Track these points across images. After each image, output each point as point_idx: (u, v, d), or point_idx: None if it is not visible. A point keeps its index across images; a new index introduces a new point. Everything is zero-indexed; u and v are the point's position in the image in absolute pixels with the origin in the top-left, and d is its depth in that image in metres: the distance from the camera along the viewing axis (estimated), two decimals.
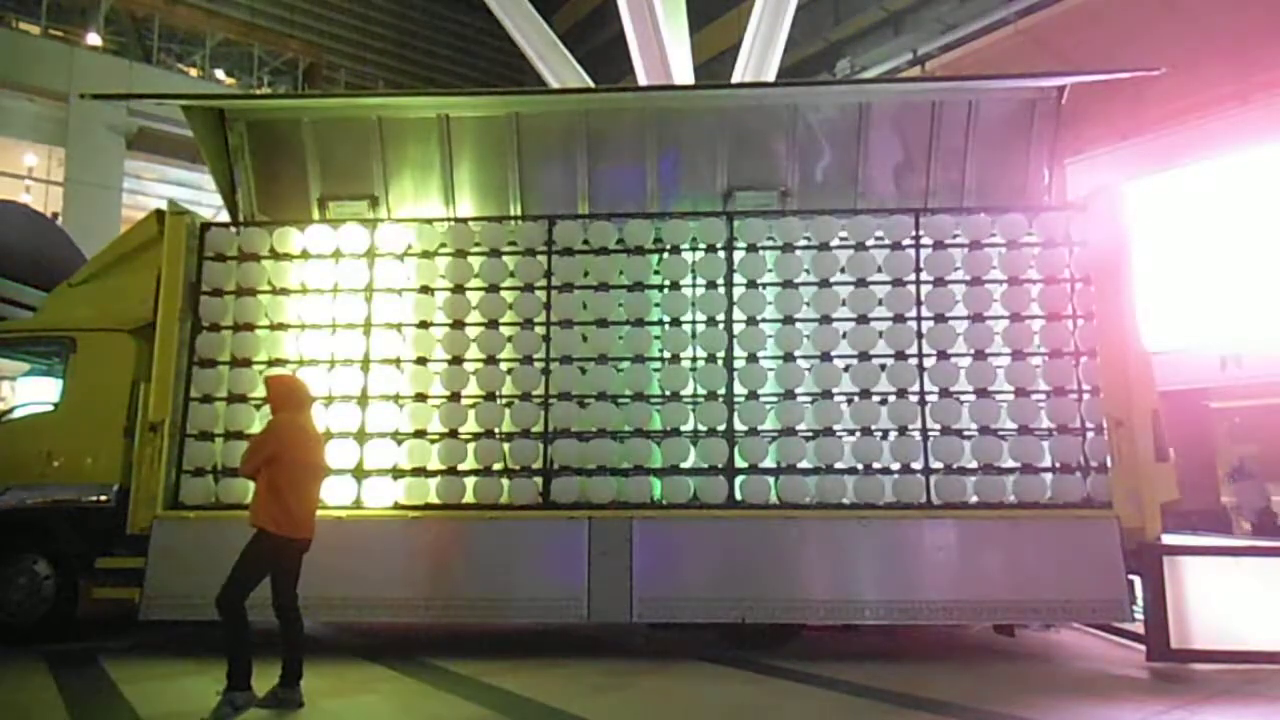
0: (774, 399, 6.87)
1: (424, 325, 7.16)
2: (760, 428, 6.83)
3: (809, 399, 6.84)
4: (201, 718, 4.76)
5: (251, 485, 5.38)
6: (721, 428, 6.82)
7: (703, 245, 7.14)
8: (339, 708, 5.21)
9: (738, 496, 6.71)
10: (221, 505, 6.88)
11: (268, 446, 5.27)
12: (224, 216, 8.23)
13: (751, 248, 7.10)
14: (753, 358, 6.94)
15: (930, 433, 6.71)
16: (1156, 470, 6.44)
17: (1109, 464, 6.48)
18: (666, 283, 7.11)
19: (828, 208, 7.39)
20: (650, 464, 6.84)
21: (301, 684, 5.16)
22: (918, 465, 6.68)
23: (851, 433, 6.78)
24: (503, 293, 7.17)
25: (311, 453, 5.46)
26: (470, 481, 6.89)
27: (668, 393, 6.95)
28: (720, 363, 6.92)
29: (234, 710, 4.85)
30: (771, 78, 15.49)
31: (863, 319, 6.93)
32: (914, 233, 7.02)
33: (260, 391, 7.07)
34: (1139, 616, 6.35)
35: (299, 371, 6.86)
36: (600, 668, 6.24)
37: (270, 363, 7.15)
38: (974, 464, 6.65)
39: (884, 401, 6.82)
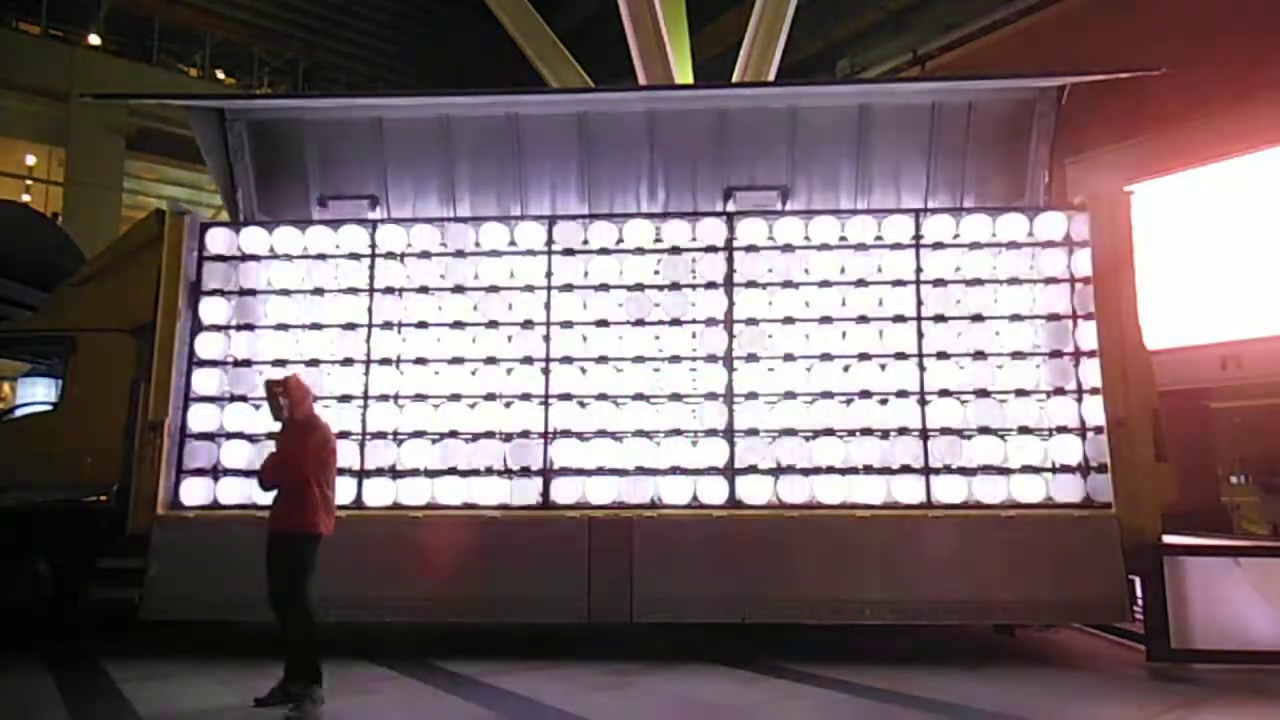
0: (774, 399, 6.87)
1: (423, 325, 7.16)
2: (760, 428, 6.83)
3: (809, 399, 6.85)
4: (288, 715, 4.91)
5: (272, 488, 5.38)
6: (721, 428, 6.82)
7: (703, 245, 7.14)
8: (339, 708, 5.21)
9: (738, 496, 6.72)
10: (221, 505, 6.88)
11: (320, 449, 5.30)
12: (224, 216, 8.23)
13: (751, 248, 7.10)
14: (753, 357, 6.94)
15: (930, 433, 6.72)
16: (1156, 470, 6.44)
17: (1109, 464, 6.48)
18: (666, 283, 7.11)
19: (828, 208, 7.39)
20: (650, 464, 6.84)
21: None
22: (918, 465, 6.68)
23: (851, 433, 6.78)
24: (502, 292, 7.17)
25: (337, 450, 5.59)
26: (470, 481, 6.89)
27: (668, 393, 6.95)
28: (720, 363, 6.93)
29: (314, 705, 5.01)
30: (771, 78, 15.49)
31: (863, 319, 6.93)
32: (914, 233, 7.03)
33: (260, 391, 7.07)
34: (1139, 616, 6.35)
35: (297, 371, 6.86)
36: (600, 668, 6.24)
37: (273, 363, 7.15)
38: (974, 464, 6.65)
39: (884, 401, 6.82)
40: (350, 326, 7.20)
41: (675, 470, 6.81)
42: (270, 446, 5.76)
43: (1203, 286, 10.63)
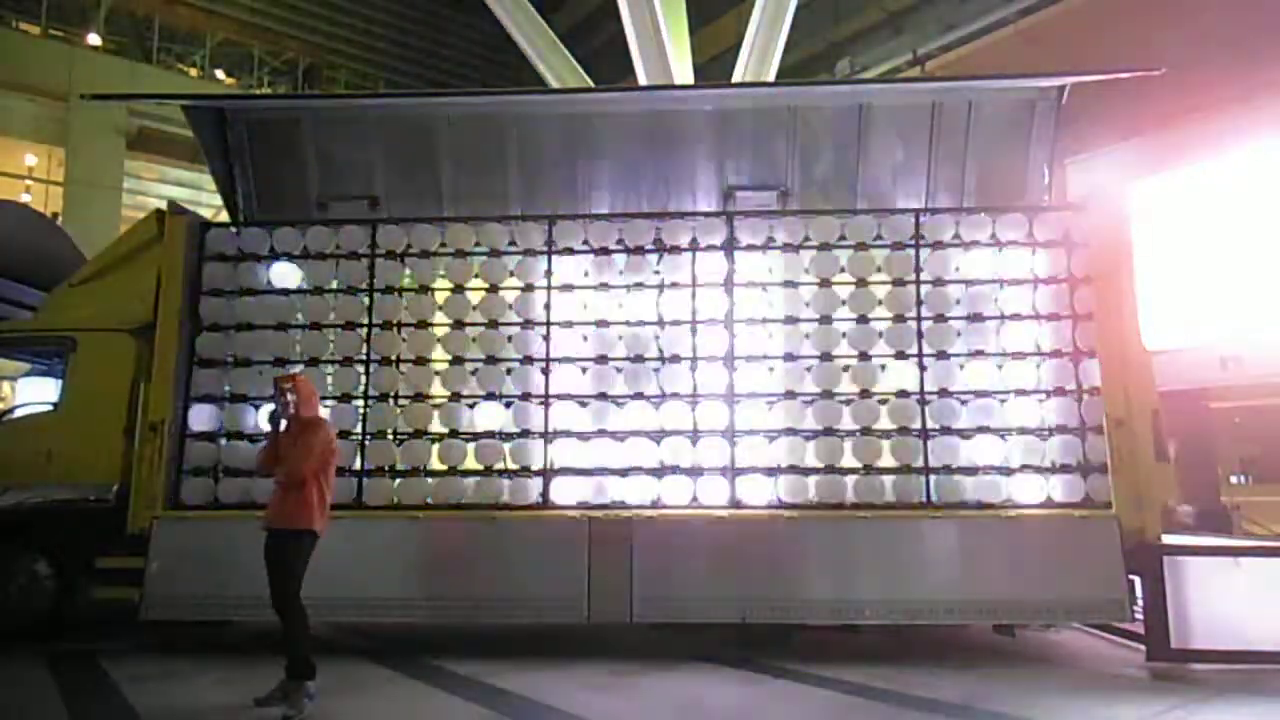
0: (774, 399, 6.87)
1: (423, 325, 7.16)
2: (760, 428, 6.83)
3: (809, 399, 6.85)
4: (287, 714, 4.93)
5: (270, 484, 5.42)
6: (722, 428, 6.82)
7: (702, 245, 7.14)
8: (339, 708, 5.21)
9: (738, 497, 6.71)
10: (221, 505, 6.89)
11: (324, 449, 5.36)
12: (224, 216, 8.23)
13: (751, 247, 7.10)
14: (753, 357, 6.94)
15: (930, 433, 6.72)
16: (1156, 470, 6.44)
17: (1109, 464, 6.48)
18: (667, 283, 7.11)
19: (828, 208, 7.39)
20: (650, 464, 6.84)
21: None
22: (918, 465, 6.68)
23: (851, 433, 6.78)
24: (502, 293, 7.17)
25: (338, 451, 5.67)
26: (470, 481, 6.89)
27: (668, 393, 6.95)
28: (720, 363, 6.92)
29: (309, 699, 5.04)
30: (771, 78, 15.49)
31: (863, 319, 6.94)
32: (914, 233, 7.03)
33: (260, 391, 7.07)
34: (1139, 616, 6.35)
35: (301, 371, 6.87)
36: (600, 668, 6.24)
37: (273, 363, 7.15)
38: (974, 464, 6.65)
39: (884, 401, 6.82)
40: (350, 326, 7.20)
41: (675, 470, 6.82)
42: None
43: (1202, 286, 10.63)
